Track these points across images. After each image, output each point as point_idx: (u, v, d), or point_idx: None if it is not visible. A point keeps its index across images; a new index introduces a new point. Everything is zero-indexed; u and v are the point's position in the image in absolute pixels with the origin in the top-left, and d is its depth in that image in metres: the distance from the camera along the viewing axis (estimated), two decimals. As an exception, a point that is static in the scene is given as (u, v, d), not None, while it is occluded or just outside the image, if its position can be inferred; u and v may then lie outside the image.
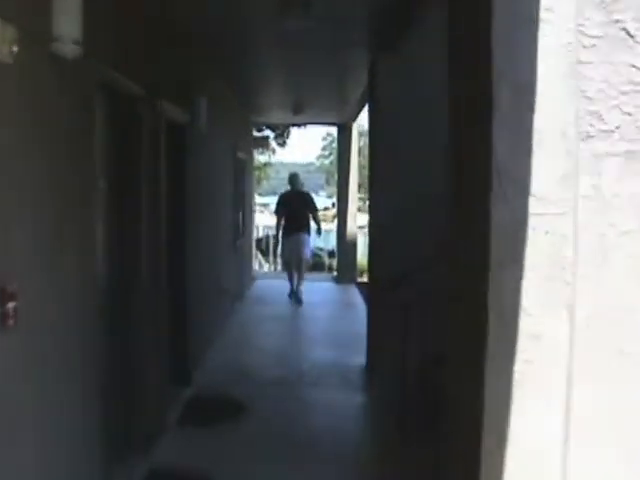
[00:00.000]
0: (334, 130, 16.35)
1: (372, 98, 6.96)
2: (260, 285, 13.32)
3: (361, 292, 12.23)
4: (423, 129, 5.99)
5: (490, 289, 2.06)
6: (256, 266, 16.61)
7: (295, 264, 11.27)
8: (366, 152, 16.47)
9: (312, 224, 11.40)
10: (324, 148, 39.24)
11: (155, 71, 5.01)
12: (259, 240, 20.54)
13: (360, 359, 7.35)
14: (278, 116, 12.80)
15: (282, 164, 29.50)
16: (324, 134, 36.94)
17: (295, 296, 11.28)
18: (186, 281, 6.24)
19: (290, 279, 11.46)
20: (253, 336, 8.80)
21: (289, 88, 9.46)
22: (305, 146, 32.25)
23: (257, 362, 7.44)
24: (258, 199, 20.67)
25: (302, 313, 10.70)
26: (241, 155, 10.84)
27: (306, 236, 11.25)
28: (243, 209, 11.32)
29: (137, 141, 4.55)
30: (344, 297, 12.28)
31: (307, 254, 11.47)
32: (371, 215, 7.04)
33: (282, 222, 11.38)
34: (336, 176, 16.18)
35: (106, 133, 4.18)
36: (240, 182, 10.81)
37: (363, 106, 10.45)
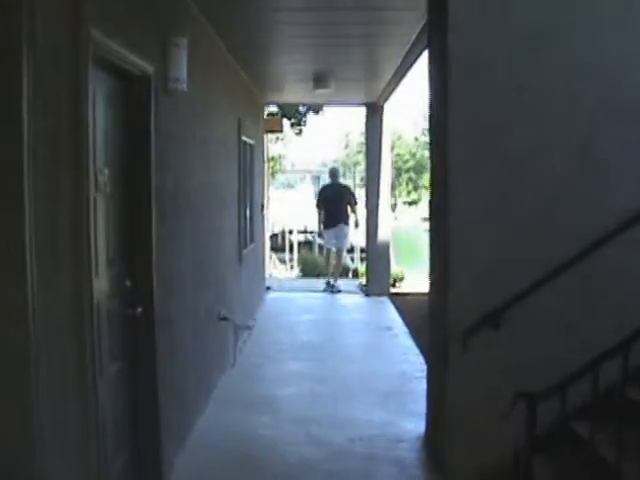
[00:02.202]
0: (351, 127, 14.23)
1: (438, 45, 4.49)
2: (275, 300, 10.88)
3: (397, 307, 10.09)
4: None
5: None
6: (271, 270, 14.18)
7: (335, 253, 11.91)
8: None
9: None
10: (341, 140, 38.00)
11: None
12: (274, 236, 17.96)
13: (416, 424, 5.05)
14: (295, 92, 10.40)
15: (297, 157, 27.96)
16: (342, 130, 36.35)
17: (332, 287, 11.75)
18: (155, 321, 3.94)
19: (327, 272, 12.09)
20: (264, 385, 6.33)
21: (309, 48, 7.10)
22: (321, 138, 30.61)
23: (270, 434, 5.02)
24: (272, 192, 18.24)
25: (330, 342, 8.27)
26: (248, 139, 8.49)
27: (345, 227, 11.72)
28: (251, 208, 8.96)
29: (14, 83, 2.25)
30: (378, 315, 9.92)
31: (346, 244, 12.26)
32: (440, 214, 4.53)
33: (322, 214, 11.80)
34: (353, 169, 14.10)
35: None
36: (247, 173, 8.47)
37: (400, 80, 8.70)
